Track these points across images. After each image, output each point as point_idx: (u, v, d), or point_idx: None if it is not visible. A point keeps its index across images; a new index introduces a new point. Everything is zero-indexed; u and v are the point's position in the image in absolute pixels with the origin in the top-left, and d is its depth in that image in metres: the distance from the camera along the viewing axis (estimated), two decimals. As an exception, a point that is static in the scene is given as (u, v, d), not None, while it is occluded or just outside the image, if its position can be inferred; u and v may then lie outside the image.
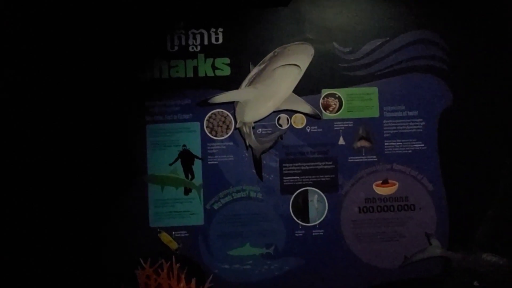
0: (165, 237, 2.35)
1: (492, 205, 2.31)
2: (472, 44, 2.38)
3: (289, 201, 2.36)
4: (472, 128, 2.34)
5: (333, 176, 2.36)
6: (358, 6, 2.41)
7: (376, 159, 2.36)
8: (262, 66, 2.31)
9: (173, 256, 2.32)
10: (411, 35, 2.38)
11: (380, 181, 2.35)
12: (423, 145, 2.36)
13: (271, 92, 2.31)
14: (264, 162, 2.37)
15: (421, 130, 2.36)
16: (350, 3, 2.41)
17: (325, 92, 2.38)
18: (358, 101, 2.37)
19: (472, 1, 2.39)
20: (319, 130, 2.37)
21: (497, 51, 2.38)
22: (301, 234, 2.35)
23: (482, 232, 2.31)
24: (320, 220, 2.35)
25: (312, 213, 2.35)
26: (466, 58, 2.38)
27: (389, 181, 2.35)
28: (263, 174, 2.36)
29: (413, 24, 2.38)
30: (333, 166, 2.36)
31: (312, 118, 2.36)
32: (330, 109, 2.37)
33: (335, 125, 2.37)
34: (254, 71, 2.34)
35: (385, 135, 2.37)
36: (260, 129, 2.38)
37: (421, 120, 2.37)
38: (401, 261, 2.33)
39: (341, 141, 2.35)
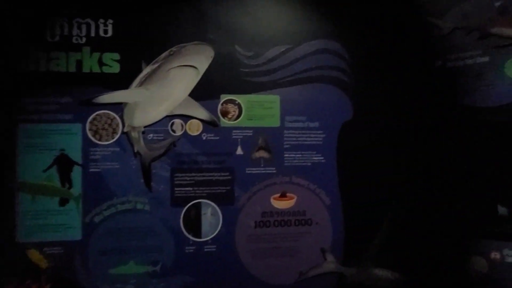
0: (34, 254, 2.04)
1: (384, 220, 2.32)
2: (374, 57, 2.37)
3: (180, 214, 2.16)
4: (370, 143, 2.33)
5: (229, 188, 2.21)
6: (264, 11, 2.29)
7: (275, 171, 2.25)
8: (156, 65, 2.10)
9: (42, 276, 2.02)
10: (315, 44, 2.31)
11: (278, 194, 2.25)
12: (322, 158, 2.30)
13: (164, 95, 2.11)
14: (154, 171, 2.15)
15: (321, 143, 2.30)
16: (255, 6, 2.28)
17: (224, 97, 2.22)
18: (258, 109, 2.24)
19: (376, 16, 2.38)
20: (216, 138, 2.20)
21: (398, 65, 2.39)
22: (191, 250, 2.17)
23: (374, 247, 2.31)
24: (213, 235, 2.19)
25: (204, 227, 2.18)
26: (367, 71, 2.36)
27: (287, 194, 2.26)
28: (152, 184, 2.14)
29: (317, 34, 2.32)
30: (230, 177, 2.21)
31: (209, 125, 2.19)
32: (229, 116, 2.22)
33: (233, 134, 2.22)
34: (146, 70, 2.12)
35: (285, 146, 2.27)
36: (151, 135, 2.16)
37: (322, 132, 2.30)
38: (296, 277, 2.25)
39: (239, 151, 2.21)
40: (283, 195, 2.26)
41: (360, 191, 2.30)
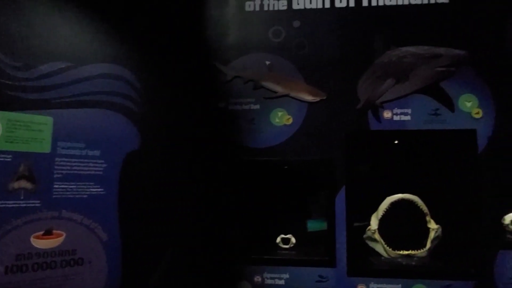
0: None
1: (165, 254, 2.32)
2: (165, 90, 2.41)
3: None
4: (155, 175, 2.31)
5: (-31, 227, 1.74)
6: (42, 19, 1.98)
7: (39, 205, 1.91)
8: None
9: None
10: (102, 67, 2.16)
11: (42, 232, 1.92)
12: (102, 189, 2.12)
13: None
14: None
15: (101, 173, 2.12)
16: (31, 11, 1.95)
17: (-28, 112, 1.78)
18: (23, 131, 1.88)
19: (170, 51, 2.46)
20: (-46, 162, 1.72)
21: (187, 101, 2.51)
22: None
23: (154, 282, 2.25)
24: None
25: None
26: (157, 103, 2.36)
27: (54, 231, 1.95)
28: None
29: (106, 57, 2.17)
30: (-29, 213, 1.74)
31: None
32: (-22, 136, 1.78)
33: (-17, 158, 1.79)
34: None
35: (55, 176, 1.97)
36: None
37: (103, 161, 2.13)
38: (57, 330, 1.93)
39: (-10, 180, 1.79)
40: (48, 233, 1.93)
41: (141, 225, 2.22)
